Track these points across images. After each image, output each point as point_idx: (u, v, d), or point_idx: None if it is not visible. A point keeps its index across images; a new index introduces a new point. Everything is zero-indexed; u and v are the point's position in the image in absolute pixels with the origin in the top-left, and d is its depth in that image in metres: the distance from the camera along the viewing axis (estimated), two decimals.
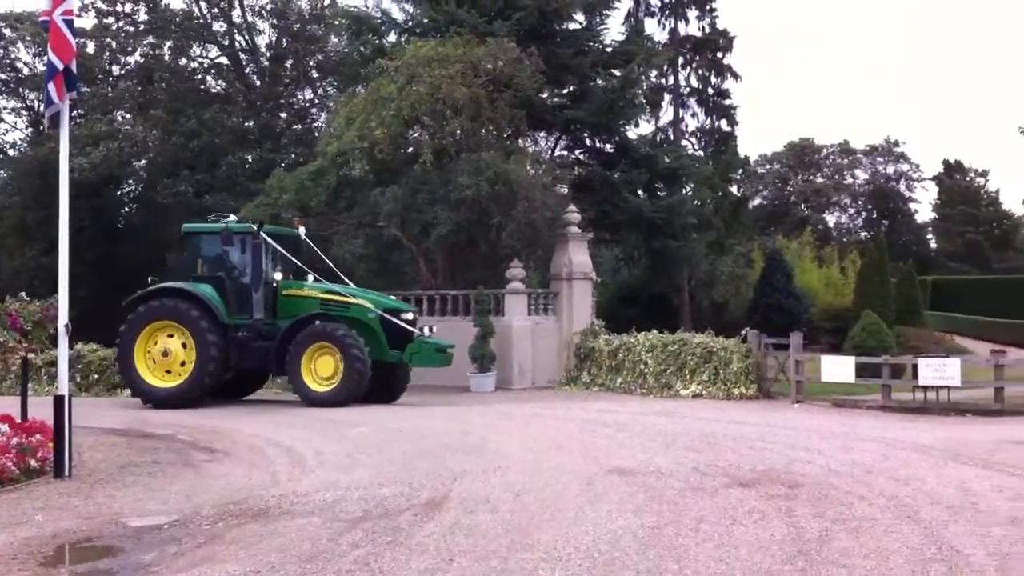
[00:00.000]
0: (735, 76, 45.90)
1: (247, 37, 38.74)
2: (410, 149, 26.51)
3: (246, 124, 36.90)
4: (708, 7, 45.43)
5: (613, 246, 37.27)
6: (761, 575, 7.09)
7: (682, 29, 45.76)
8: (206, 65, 39.80)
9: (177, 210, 35.98)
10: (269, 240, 20.71)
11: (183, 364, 20.22)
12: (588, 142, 33.97)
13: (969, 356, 25.85)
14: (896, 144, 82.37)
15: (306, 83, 38.80)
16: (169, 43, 38.05)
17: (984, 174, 77.51)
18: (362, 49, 30.86)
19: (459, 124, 24.47)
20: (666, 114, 44.98)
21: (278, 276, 20.97)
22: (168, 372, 20.31)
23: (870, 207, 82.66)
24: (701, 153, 45.58)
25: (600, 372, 24.72)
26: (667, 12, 45.47)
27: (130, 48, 38.25)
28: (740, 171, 49.83)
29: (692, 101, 46.46)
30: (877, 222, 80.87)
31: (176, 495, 10.51)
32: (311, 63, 38.41)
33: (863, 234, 78.12)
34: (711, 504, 9.43)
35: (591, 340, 25.41)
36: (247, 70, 39.30)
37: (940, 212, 76.81)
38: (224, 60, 39.32)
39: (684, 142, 45.24)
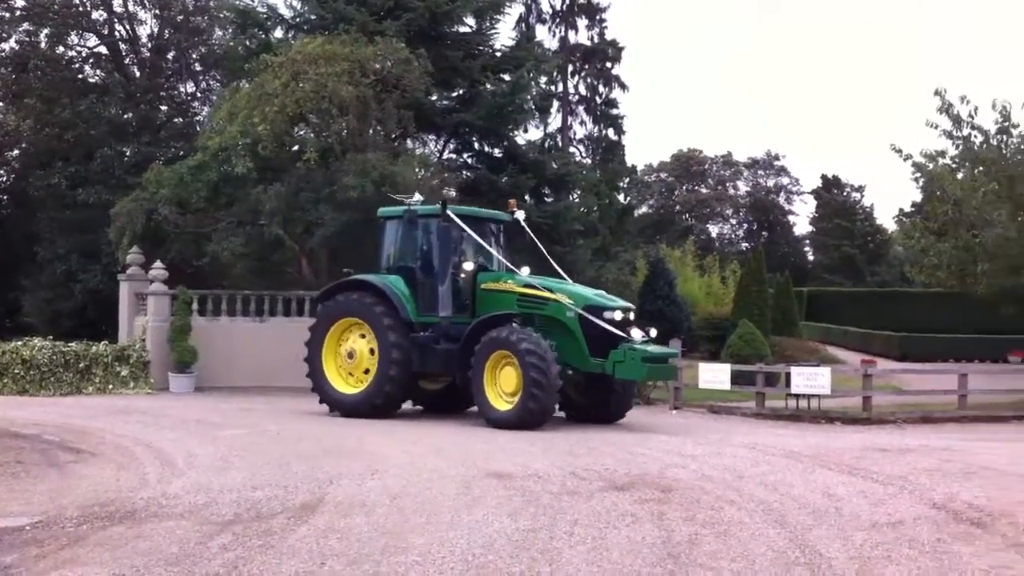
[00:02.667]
0: (623, 86, 46.82)
1: (128, 27, 37.57)
2: (295, 147, 26.08)
3: (124, 116, 35.74)
4: (598, 17, 46.24)
5: (502, 249, 37.32)
6: None
7: (572, 38, 46.54)
8: (84, 54, 38.50)
9: (50, 203, 34.80)
10: (459, 223, 17.73)
11: (367, 371, 17.94)
12: (477, 146, 34.01)
13: (839, 366, 26.78)
14: (777, 158, 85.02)
15: (188, 76, 37.81)
16: (46, 31, 36.66)
17: (860, 189, 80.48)
18: (247, 43, 30.30)
19: (345, 123, 24.20)
20: (555, 121, 45.59)
21: (468, 266, 17.84)
22: (351, 375, 18.19)
23: (751, 219, 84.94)
24: (588, 160, 46.25)
25: None
26: (557, 20, 46.12)
27: (4, 34, 36.66)
28: (627, 179, 50.70)
29: (580, 109, 47.25)
30: (757, 233, 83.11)
31: (40, 496, 10.15)
32: (194, 56, 37.42)
33: (744, 245, 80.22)
34: (586, 508, 9.50)
35: None
36: (127, 61, 38.11)
37: (817, 225, 79.28)
38: (103, 50, 38.08)
39: (572, 149, 45.86)
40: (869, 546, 8.14)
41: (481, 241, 18.10)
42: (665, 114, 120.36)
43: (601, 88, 47.06)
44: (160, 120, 37.21)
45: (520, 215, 18.92)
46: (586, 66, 46.88)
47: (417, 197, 18.39)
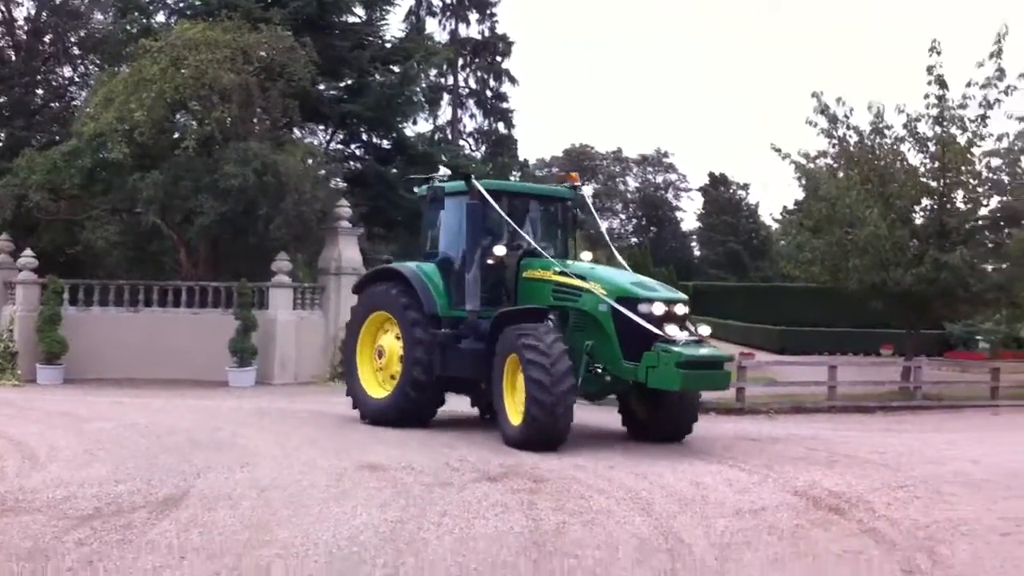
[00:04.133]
0: (513, 80, 47.12)
1: (3, 8, 36.05)
2: (175, 135, 25.46)
3: None
4: (488, 11, 46.46)
5: (389, 243, 37.19)
6: (496, 567, 7.19)
7: (463, 31, 46.68)
8: None
9: None
10: (490, 199, 14.56)
11: (392, 375, 15.46)
12: (365, 137, 33.78)
13: None
14: (666, 155, 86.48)
15: (66, 60, 36.54)
16: None
17: (745, 187, 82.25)
18: (128, 28, 29.46)
19: (227, 111, 23.71)
20: (445, 114, 45.70)
21: (500, 251, 14.67)
22: (380, 374, 15.76)
23: (640, 214, 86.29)
24: (479, 154, 46.35)
25: None
26: (448, 13, 46.20)
27: None
28: (518, 173, 50.97)
29: (471, 102, 47.42)
30: (646, 228, 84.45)
31: None
32: (73, 39, 36.19)
33: (634, 240, 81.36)
34: (457, 499, 9.51)
35: None
36: (1, 43, 36.64)
37: (704, 221, 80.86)
38: None
39: (462, 142, 45.96)
40: (730, 532, 8.33)
41: (509, 219, 14.83)
42: (556, 109, 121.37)
43: (491, 82, 47.32)
44: (36, 104, 35.92)
45: (587, 191, 16.31)
46: (476, 60, 47.06)
47: (443, 171, 16.44)
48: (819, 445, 13.74)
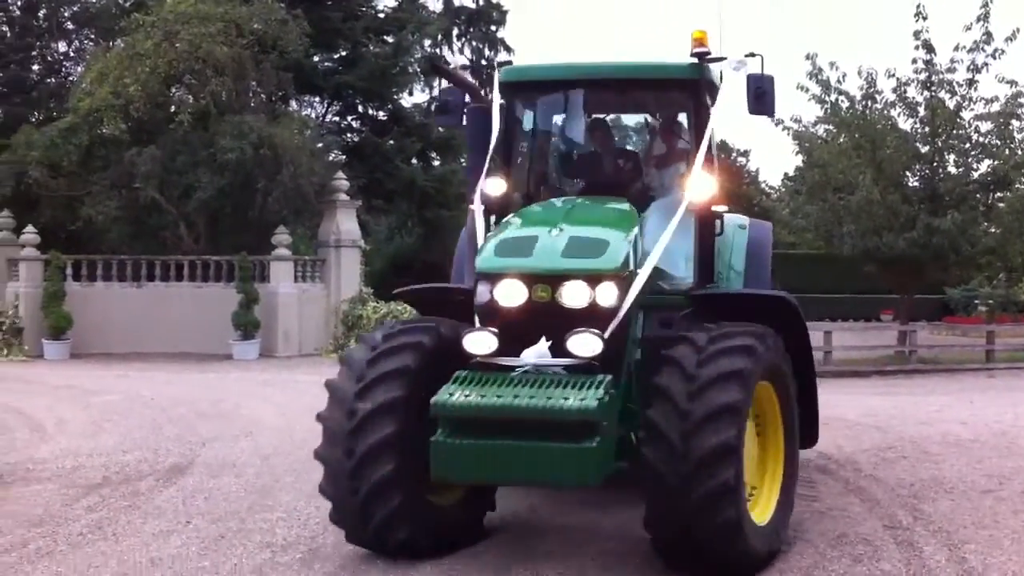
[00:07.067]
0: (508, 49, 46.76)
1: None
2: (172, 109, 25.58)
3: None
4: None
5: (387, 214, 37.40)
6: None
7: (456, 0, 46.27)
8: None
9: None
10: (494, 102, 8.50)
11: None
12: (360, 109, 33.93)
13: None
14: None
15: (60, 35, 36.53)
16: None
17: (746, 154, 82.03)
18: (120, 1, 29.51)
19: (222, 85, 23.84)
20: (440, 84, 45.46)
21: (494, 188, 8.00)
22: None
23: None
24: None
25: None
26: None
27: None
28: None
29: (466, 73, 47.15)
30: None
31: None
32: (66, 14, 36.19)
33: None
34: None
35: (359, 308, 25.43)
36: None
37: None
38: None
39: None
40: None
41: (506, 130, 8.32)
42: None
43: (487, 52, 47.07)
44: (32, 80, 35.95)
45: (729, 65, 8.28)
46: (471, 29, 46.81)
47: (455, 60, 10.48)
48: None
